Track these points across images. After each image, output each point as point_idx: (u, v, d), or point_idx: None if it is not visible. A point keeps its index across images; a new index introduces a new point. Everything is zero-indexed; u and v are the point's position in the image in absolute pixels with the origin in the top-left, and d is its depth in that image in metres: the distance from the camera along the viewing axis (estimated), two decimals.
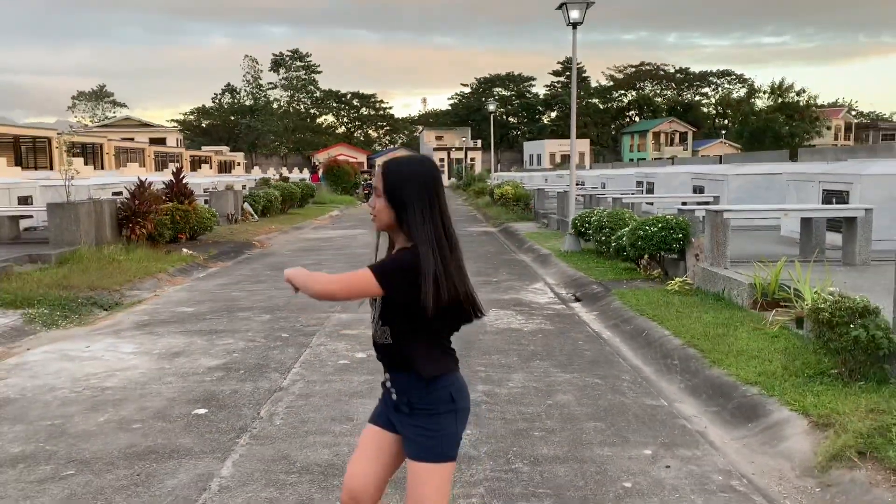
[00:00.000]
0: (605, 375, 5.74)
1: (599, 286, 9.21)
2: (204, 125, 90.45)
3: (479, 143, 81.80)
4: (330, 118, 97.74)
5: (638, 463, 4.03)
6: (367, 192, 36.91)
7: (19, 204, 14.86)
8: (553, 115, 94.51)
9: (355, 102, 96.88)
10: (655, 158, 63.56)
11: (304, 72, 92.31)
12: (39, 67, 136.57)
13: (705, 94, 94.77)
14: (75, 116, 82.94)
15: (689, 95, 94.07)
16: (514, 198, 23.66)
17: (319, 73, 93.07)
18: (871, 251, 8.85)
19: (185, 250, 13.07)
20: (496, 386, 5.46)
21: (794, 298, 6.25)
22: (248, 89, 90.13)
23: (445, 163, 76.34)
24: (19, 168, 24.73)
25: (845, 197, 10.36)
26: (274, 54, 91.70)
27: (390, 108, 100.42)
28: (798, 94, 66.52)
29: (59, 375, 5.82)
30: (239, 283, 10.69)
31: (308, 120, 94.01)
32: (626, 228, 9.77)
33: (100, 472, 3.94)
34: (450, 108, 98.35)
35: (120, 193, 16.40)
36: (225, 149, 68.02)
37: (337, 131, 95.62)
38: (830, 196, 10.80)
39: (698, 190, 15.72)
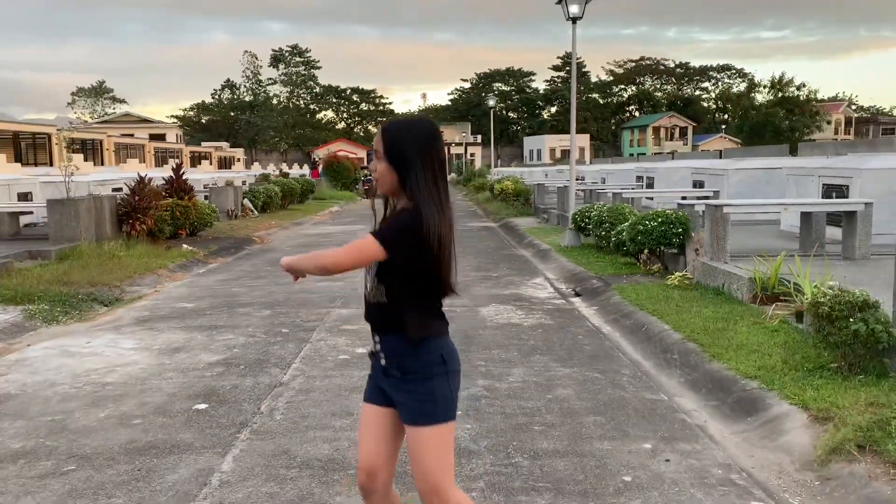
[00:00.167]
0: (604, 370, 5.75)
1: (599, 281, 9.21)
2: (204, 121, 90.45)
3: (479, 138, 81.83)
4: (330, 114, 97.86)
5: (638, 457, 4.04)
6: (367, 187, 36.80)
7: (19, 200, 14.88)
8: (553, 110, 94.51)
9: (355, 98, 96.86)
10: (655, 153, 63.63)
11: (303, 67, 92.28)
12: (39, 64, 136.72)
13: (705, 89, 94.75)
14: (75, 112, 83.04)
15: (689, 90, 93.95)
16: (514, 193, 23.63)
17: (319, 68, 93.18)
18: (870, 245, 8.86)
19: (185, 246, 13.06)
20: (496, 381, 5.45)
21: (794, 293, 6.25)
22: (247, 85, 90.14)
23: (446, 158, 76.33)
24: (19, 164, 24.78)
25: (845, 191, 10.36)
26: (273, 50, 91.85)
27: (390, 103, 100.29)
28: (798, 88, 66.37)
29: (59, 371, 5.83)
30: (239, 279, 10.69)
31: (308, 115, 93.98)
32: (626, 223, 9.76)
33: (100, 468, 3.95)
34: (449, 103, 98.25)
35: (120, 189, 16.42)
36: (225, 145, 68.07)
37: (337, 127, 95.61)
38: (830, 190, 10.81)
39: (698, 185, 15.73)
